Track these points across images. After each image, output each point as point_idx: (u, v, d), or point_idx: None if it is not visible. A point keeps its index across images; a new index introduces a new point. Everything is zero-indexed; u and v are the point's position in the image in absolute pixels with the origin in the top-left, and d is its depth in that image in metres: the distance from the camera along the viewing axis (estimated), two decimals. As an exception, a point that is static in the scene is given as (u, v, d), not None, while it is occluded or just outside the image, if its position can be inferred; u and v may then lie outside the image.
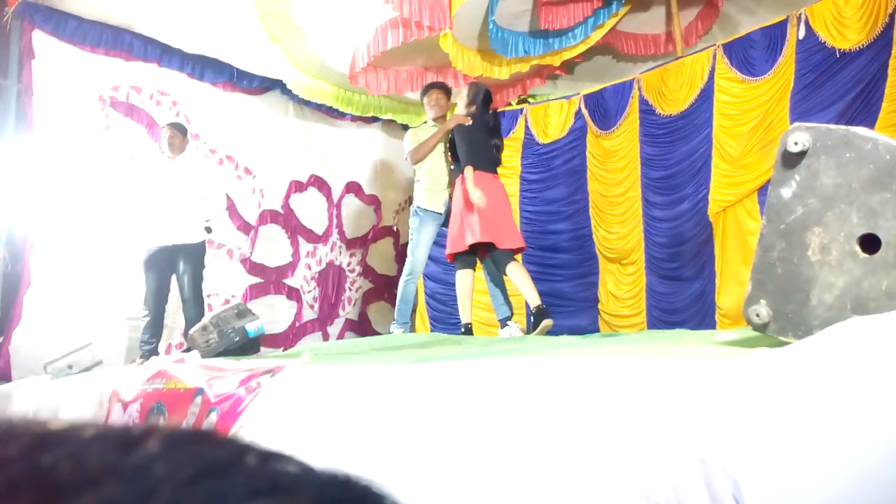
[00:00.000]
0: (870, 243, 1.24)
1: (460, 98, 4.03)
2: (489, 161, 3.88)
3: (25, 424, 0.21)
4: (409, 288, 4.08)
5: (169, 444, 0.20)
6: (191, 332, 3.24)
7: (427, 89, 4.38)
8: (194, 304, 4.01)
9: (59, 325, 4.01)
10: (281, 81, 5.19)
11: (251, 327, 3.08)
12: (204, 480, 0.19)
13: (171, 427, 0.21)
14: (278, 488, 0.20)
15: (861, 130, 1.28)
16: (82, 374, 3.18)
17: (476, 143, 3.84)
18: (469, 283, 3.88)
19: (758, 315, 1.34)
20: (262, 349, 4.23)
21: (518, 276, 3.69)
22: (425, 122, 4.41)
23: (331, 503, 0.20)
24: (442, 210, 4.14)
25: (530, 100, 5.89)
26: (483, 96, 3.98)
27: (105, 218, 4.35)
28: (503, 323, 3.87)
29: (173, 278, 4.06)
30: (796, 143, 1.29)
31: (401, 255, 6.29)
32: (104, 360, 3.61)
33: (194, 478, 0.19)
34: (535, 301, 3.60)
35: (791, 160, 1.31)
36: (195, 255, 4.07)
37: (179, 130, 4.18)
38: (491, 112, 4.07)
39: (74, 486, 0.18)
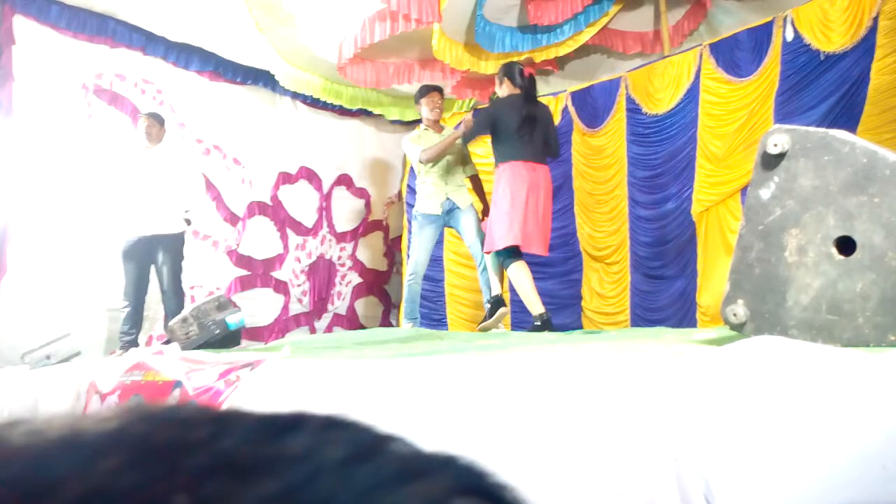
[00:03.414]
0: (846, 245, 1.25)
1: (498, 85, 3.85)
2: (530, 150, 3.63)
3: (201, 411, 0.22)
4: (413, 288, 4.20)
5: (319, 429, 0.22)
6: (170, 323, 3.21)
7: (429, 90, 4.35)
8: (174, 296, 3.98)
9: (38, 314, 3.95)
10: (268, 72, 5.15)
11: (231, 320, 3.06)
12: (357, 464, 0.20)
13: (315, 414, 0.23)
14: (426, 472, 0.21)
15: (840, 133, 1.28)
16: (60, 365, 3.14)
17: (514, 134, 3.61)
18: (529, 272, 3.67)
19: (735, 315, 1.35)
20: (247, 342, 4.20)
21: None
22: (424, 129, 4.39)
23: (469, 488, 0.21)
24: (440, 212, 4.20)
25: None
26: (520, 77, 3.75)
27: (85, 207, 4.29)
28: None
29: (153, 269, 4.02)
30: (776, 145, 1.30)
31: (390, 249, 6.27)
32: (83, 350, 3.57)
33: (347, 461, 0.20)
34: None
35: (770, 162, 1.32)
36: (174, 245, 4.03)
37: (157, 120, 4.13)
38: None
39: (255, 471, 0.19)
